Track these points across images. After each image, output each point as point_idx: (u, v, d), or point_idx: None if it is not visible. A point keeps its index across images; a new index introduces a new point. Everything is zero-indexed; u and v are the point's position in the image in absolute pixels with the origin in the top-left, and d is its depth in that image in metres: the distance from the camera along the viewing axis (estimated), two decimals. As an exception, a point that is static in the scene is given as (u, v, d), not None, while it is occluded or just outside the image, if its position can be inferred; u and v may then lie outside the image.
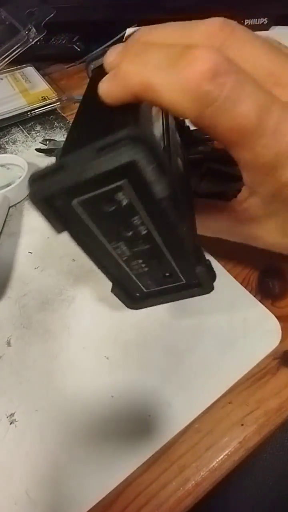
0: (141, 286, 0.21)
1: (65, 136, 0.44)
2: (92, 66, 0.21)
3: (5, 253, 0.32)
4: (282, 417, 0.21)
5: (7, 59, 0.44)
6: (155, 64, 0.15)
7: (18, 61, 0.51)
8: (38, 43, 0.46)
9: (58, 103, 0.48)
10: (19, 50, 0.44)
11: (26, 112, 0.46)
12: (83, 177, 0.14)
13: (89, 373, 0.24)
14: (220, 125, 0.15)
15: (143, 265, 0.19)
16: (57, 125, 0.46)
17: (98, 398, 0.22)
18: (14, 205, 0.36)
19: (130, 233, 0.16)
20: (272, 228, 0.20)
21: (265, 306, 0.25)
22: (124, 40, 0.53)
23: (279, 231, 0.20)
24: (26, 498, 0.20)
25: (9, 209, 0.35)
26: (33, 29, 0.44)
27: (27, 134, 0.45)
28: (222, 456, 0.20)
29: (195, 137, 0.31)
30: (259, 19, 0.49)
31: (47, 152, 0.41)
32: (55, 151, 0.39)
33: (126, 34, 0.54)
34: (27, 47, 0.44)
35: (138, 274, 0.20)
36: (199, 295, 0.21)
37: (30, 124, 0.47)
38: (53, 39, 0.57)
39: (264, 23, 0.49)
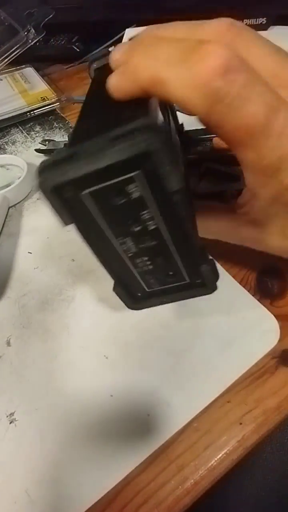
0: (144, 285, 0.20)
1: (65, 136, 0.44)
2: (95, 65, 0.21)
3: (4, 253, 0.32)
4: (281, 416, 0.21)
5: (6, 60, 0.44)
6: (166, 58, 0.15)
7: (18, 62, 0.51)
8: (38, 43, 0.46)
9: (58, 103, 0.48)
10: (18, 50, 0.44)
11: (26, 112, 0.46)
12: (95, 166, 0.13)
13: (89, 372, 0.24)
14: (228, 123, 0.15)
15: (148, 263, 0.18)
16: (57, 125, 0.46)
17: (98, 398, 0.23)
18: (14, 205, 0.36)
19: (138, 228, 0.16)
20: (272, 231, 0.20)
21: (264, 305, 0.25)
22: (123, 40, 0.53)
23: (279, 235, 0.20)
24: (25, 497, 0.20)
25: (8, 209, 0.36)
26: (32, 30, 0.44)
27: (27, 135, 0.45)
28: (220, 455, 0.20)
29: (192, 138, 0.31)
30: (258, 19, 0.49)
31: (47, 152, 0.41)
32: (54, 151, 0.40)
33: (125, 35, 0.54)
34: (26, 47, 0.44)
35: (142, 272, 0.19)
36: (202, 295, 0.20)
37: (29, 125, 0.47)
38: (52, 40, 0.57)
39: (263, 23, 0.49)
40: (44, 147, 0.41)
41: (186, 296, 0.21)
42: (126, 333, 0.25)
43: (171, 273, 0.19)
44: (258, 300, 0.26)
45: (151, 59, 0.15)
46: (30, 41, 0.44)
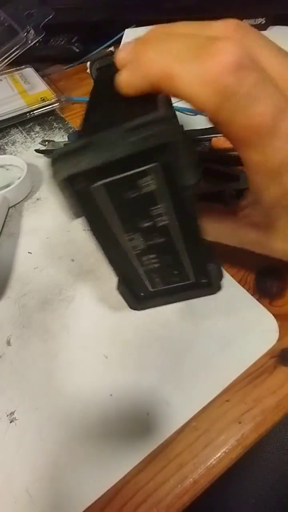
0: (148, 285, 0.20)
1: (64, 136, 0.44)
2: (97, 65, 0.21)
3: (4, 253, 0.32)
4: (279, 415, 0.21)
5: (6, 60, 0.44)
6: (177, 53, 0.15)
7: (17, 62, 0.51)
8: (37, 44, 0.46)
9: (57, 104, 0.48)
10: (18, 51, 0.44)
11: (25, 113, 0.47)
12: (111, 157, 0.13)
13: (88, 372, 0.24)
14: (236, 122, 0.15)
15: (154, 261, 0.18)
16: (56, 126, 0.46)
17: (97, 397, 0.23)
18: (14, 205, 0.36)
19: (147, 224, 0.16)
20: (275, 234, 0.19)
21: (263, 305, 0.25)
22: (122, 41, 0.53)
23: (282, 238, 0.19)
24: (26, 496, 0.20)
25: (8, 209, 0.36)
26: (32, 31, 0.44)
27: (26, 135, 0.45)
28: (219, 454, 0.20)
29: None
30: (257, 19, 0.49)
31: (46, 153, 0.41)
32: (54, 151, 0.40)
33: (124, 35, 0.54)
34: (26, 48, 0.44)
35: (147, 271, 0.19)
36: (206, 295, 0.20)
37: (29, 125, 0.47)
38: (51, 40, 0.57)
39: (262, 23, 0.49)
40: (44, 148, 0.42)
41: (190, 296, 0.20)
42: (126, 332, 0.25)
43: (176, 272, 0.19)
44: (257, 300, 0.26)
45: (162, 54, 0.15)
46: (29, 41, 0.44)
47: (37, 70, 0.55)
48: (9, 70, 0.54)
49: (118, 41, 0.55)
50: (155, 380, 0.23)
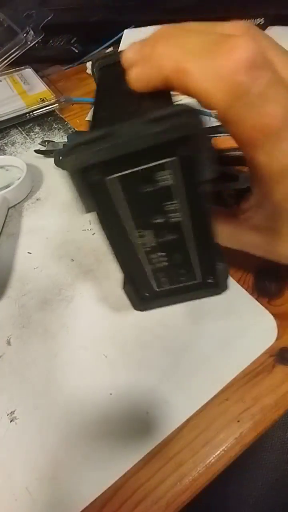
0: (154, 284, 0.20)
1: (64, 137, 0.44)
2: (100, 64, 0.21)
3: (4, 253, 0.32)
4: (278, 414, 0.21)
5: (5, 61, 0.44)
6: (191, 48, 0.15)
7: (17, 63, 0.51)
8: (36, 45, 0.46)
9: (57, 104, 0.48)
10: (17, 52, 0.44)
11: (25, 113, 0.47)
12: (132, 148, 0.12)
13: (88, 371, 0.24)
14: (245, 121, 0.15)
15: (163, 259, 0.18)
16: (56, 126, 0.46)
17: (97, 396, 0.23)
18: (13, 206, 0.36)
19: (160, 220, 0.15)
20: (277, 238, 0.19)
21: (262, 304, 0.25)
22: (121, 41, 0.54)
23: (285, 242, 0.19)
24: (26, 494, 0.20)
25: (8, 210, 0.36)
26: (31, 32, 0.44)
27: (26, 136, 0.46)
28: (218, 452, 0.20)
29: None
30: (255, 20, 0.49)
31: (46, 153, 0.41)
32: (54, 152, 0.40)
33: (124, 35, 0.54)
34: (25, 49, 0.45)
35: (155, 269, 0.19)
36: (212, 295, 0.20)
37: (28, 126, 0.47)
38: (51, 41, 0.57)
39: (261, 23, 0.49)
40: (43, 148, 0.42)
41: (196, 296, 0.20)
42: (125, 332, 0.25)
43: (183, 271, 0.19)
44: (256, 299, 0.26)
45: (175, 48, 0.15)
46: (29, 42, 0.44)
47: (36, 71, 0.55)
48: (8, 71, 0.54)
49: (118, 42, 0.55)
50: (155, 379, 0.23)
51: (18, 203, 0.37)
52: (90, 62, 0.56)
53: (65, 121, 0.47)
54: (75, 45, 0.57)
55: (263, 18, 0.50)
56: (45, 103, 0.48)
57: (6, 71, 0.54)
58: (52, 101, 0.48)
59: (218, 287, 0.19)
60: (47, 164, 0.40)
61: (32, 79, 0.53)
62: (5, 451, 0.21)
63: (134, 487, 0.20)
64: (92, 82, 0.54)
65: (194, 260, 0.18)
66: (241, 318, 0.25)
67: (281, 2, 0.49)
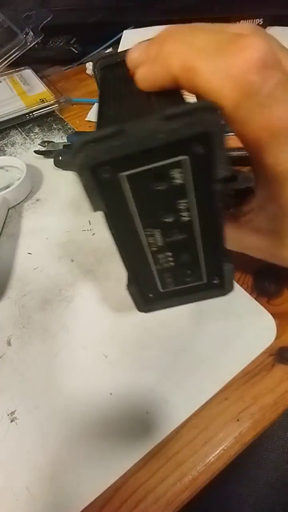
0: (159, 285, 0.19)
1: (64, 137, 0.44)
2: (102, 64, 0.21)
3: (4, 254, 0.32)
4: (277, 413, 0.21)
5: (5, 62, 0.44)
6: (201, 46, 0.14)
7: (16, 64, 0.51)
8: (36, 46, 0.46)
9: (56, 105, 0.48)
10: (17, 53, 0.44)
11: (25, 114, 0.47)
12: (146, 145, 0.12)
13: (88, 371, 0.24)
14: (253, 122, 0.14)
15: (170, 259, 0.18)
16: (55, 127, 0.46)
17: (97, 396, 0.23)
18: (13, 206, 0.36)
19: (170, 219, 0.15)
20: (280, 242, 0.19)
21: (261, 304, 0.26)
22: (121, 42, 0.54)
23: (285, 245, 0.19)
24: (27, 494, 0.20)
25: (8, 210, 0.36)
26: (31, 32, 0.44)
27: (26, 136, 0.46)
28: (218, 451, 0.20)
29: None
30: (254, 20, 0.50)
31: (46, 154, 0.41)
32: (53, 152, 0.40)
33: (123, 36, 0.54)
34: (25, 50, 0.45)
35: (161, 270, 0.18)
36: (217, 296, 0.19)
37: (28, 126, 0.47)
38: (50, 42, 0.58)
39: (260, 23, 0.49)
40: (43, 149, 0.42)
41: (201, 297, 0.20)
42: (125, 332, 0.26)
43: (190, 271, 0.18)
44: (255, 299, 0.26)
45: (184, 46, 0.15)
46: (28, 43, 0.44)
47: (36, 72, 0.55)
48: (8, 72, 0.54)
49: (117, 42, 0.55)
50: (154, 379, 0.23)
51: (18, 203, 0.37)
52: (90, 63, 0.56)
53: (65, 122, 0.47)
54: (75, 45, 0.57)
55: (262, 19, 0.50)
56: (45, 103, 0.48)
57: (5, 72, 0.54)
58: (52, 101, 0.48)
59: (224, 288, 0.19)
60: (47, 165, 0.40)
61: (32, 80, 0.53)
62: (6, 451, 0.22)
63: (134, 486, 0.20)
64: (91, 82, 0.55)
65: (201, 261, 0.18)
66: (240, 318, 0.25)
67: (280, 2, 0.49)
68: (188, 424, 0.21)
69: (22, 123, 0.47)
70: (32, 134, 0.46)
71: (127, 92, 0.17)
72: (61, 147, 0.41)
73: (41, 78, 0.53)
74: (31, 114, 0.47)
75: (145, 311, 0.21)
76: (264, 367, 0.23)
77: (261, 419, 0.21)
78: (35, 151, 0.41)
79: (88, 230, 0.33)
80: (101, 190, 0.14)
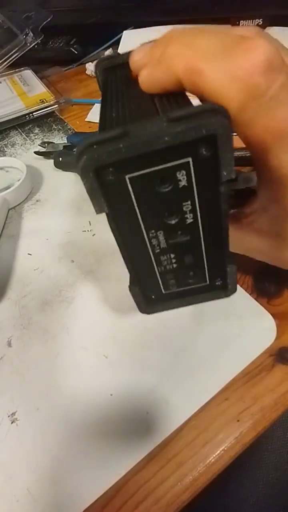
0: (161, 286, 0.19)
1: (64, 138, 0.44)
2: (104, 66, 0.21)
3: (5, 255, 0.32)
4: (277, 413, 0.21)
5: (5, 63, 0.45)
6: (206, 48, 0.14)
7: (16, 65, 0.51)
8: (36, 46, 0.46)
9: (56, 105, 0.48)
10: (17, 54, 0.45)
11: (25, 115, 0.47)
12: (151, 147, 0.12)
13: (89, 372, 0.24)
14: (257, 124, 0.14)
15: (173, 261, 0.18)
16: (55, 127, 0.47)
17: (98, 397, 0.23)
18: (13, 207, 0.36)
19: (174, 221, 0.15)
20: (283, 244, 0.19)
21: (261, 304, 0.26)
22: (121, 42, 0.54)
23: (285, 246, 0.19)
24: (27, 495, 0.20)
25: (8, 211, 0.36)
26: (31, 33, 0.44)
27: (26, 137, 0.46)
28: (218, 452, 0.20)
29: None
30: (254, 20, 0.50)
31: (46, 154, 0.41)
32: (53, 153, 0.40)
33: (123, 37, 0.55)
34: (25, 50, 0.45)
35: (163, 271, 0.18)
36: (219, 298, 0.19)
37: (28, 127, 0.47)
38: (50, 43, 0.58)
39: (259, 24, 0.49)
40: (43, 149, 0.42)
41: (203, 299, 0.20)
42: (125, 332, 0.26)
43: (192, 273, 0.18)
44: (255, 299, 0.26)
45: (188, 48, 0.15)
46: (28, 44, 0.44)
47: (36, 72, 0.55)
48: (8, 72, 0.54)
49: (117, 43, 0.55)
50: (155, 380, 0.23)
51: (18, 204, 0.37)
52: (90, 63, 0.56)
53: (65, 122, 0.47)
54: (75, 46, 0.57)
55: (261, 19, 0.50)
56: (45, 104, 0.48)
57: (5, 73, 0.54)
58: (52, 102, 0.48)
59: (227, 289, 0.19)
60: (47, 166, 0.40)
61: (32, 80, 0.53)
62: (6, 452, 0.22)
63: (134, 487, 0.20)
64: (91, 83, 0.55)
65: (204, 262, 0.18)
66: (240, 318, 0.25)
67: (280, 2, 0.49)
68: (188, 425, 0.21)
69: (22, 123, 0.47)
70: (32, 135, 0.46)
71: (130, 94, 0.17)
72: (61, 148, 0.41)
73: (41, 78, 0.53)
74: (31, 114, 0.47)
75: (147, 313, 0.21)
76: (264, 367, 0.23)
77: (261, 419, 0.21)
78: (35, 152, 0.41)
79: (88, 230, 0.33)
80: (105, 192, 0.14)
